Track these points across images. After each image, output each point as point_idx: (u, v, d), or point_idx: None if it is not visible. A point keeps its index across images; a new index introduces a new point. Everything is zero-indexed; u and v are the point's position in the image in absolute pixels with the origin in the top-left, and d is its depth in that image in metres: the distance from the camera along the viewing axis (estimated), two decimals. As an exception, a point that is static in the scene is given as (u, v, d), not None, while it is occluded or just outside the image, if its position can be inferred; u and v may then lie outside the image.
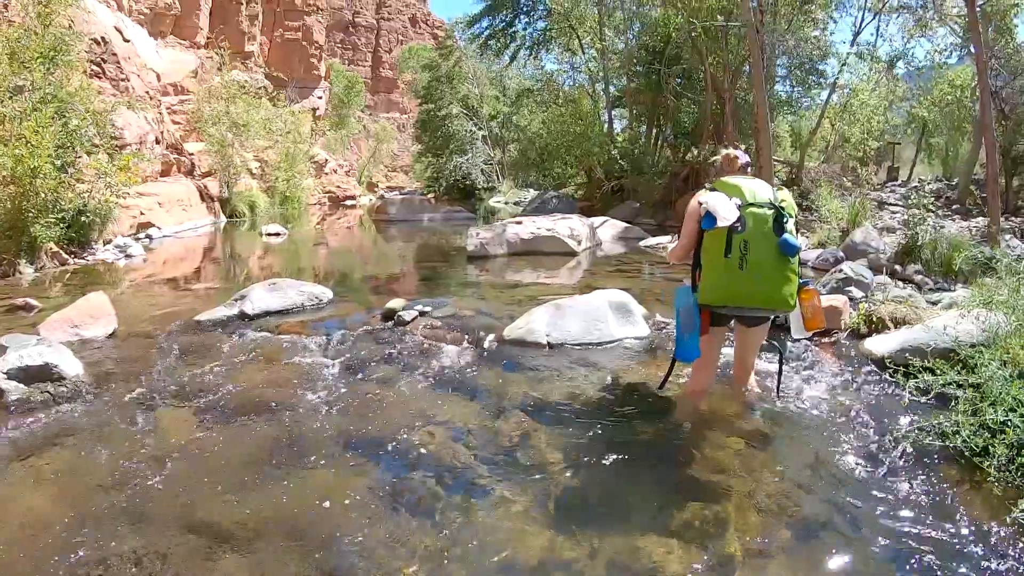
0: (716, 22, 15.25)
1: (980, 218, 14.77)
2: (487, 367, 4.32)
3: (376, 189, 46.08)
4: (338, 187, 36.55)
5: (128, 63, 17.22)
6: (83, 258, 9.83)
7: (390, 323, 5.20)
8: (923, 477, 2.88)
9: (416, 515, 2.58)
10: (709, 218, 3.06)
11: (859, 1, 17.42)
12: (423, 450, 3.11)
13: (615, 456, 3.03)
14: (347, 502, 2.65)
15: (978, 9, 11.24)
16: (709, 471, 2.97)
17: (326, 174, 36.93)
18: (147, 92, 17.80)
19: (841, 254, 8.95)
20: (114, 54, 15.98)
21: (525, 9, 23.03)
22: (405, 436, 3.24)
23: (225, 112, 20.58)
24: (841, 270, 6.97)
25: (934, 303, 6.19)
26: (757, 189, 3.17)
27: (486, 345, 4.73)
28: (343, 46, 73.88)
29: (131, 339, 5.02)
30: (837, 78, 17.90)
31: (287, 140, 24.97)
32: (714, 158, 3.59)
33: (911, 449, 3.07)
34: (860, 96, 18.90)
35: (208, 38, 29.91)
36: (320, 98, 45.17)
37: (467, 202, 24.95)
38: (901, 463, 3.00)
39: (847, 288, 6.76)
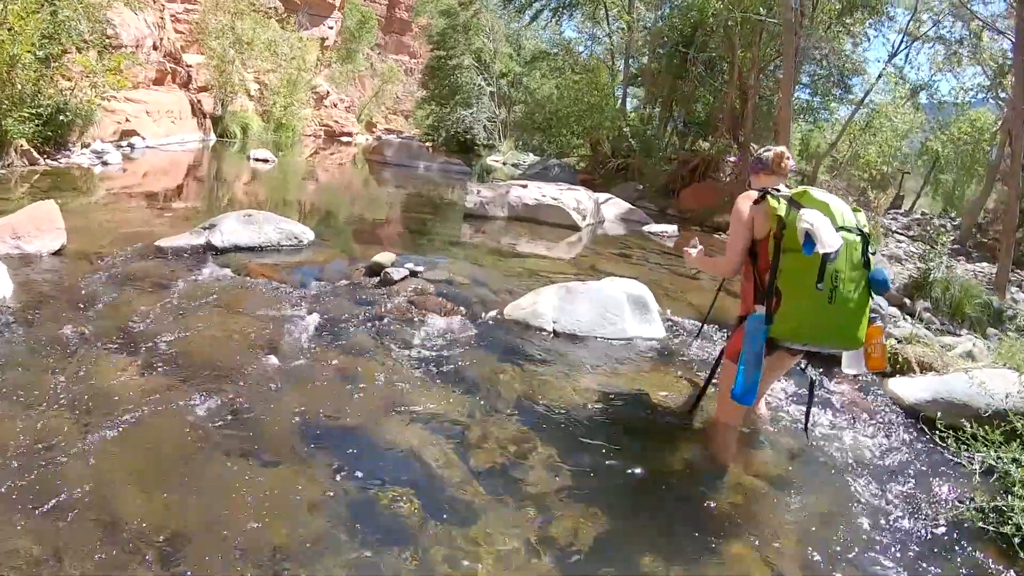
0: (757, 15, 14.67)
1: (985, 263, 14.53)
2: (482, 350, 3.74)
3: (374, 130, 45.06)
4: (336, 122, 35.62)
5: (134, -42, 16.23)
6: (56, 160, 9.23)
7: (375, 279, 4.62)
8: (966, 560, 2.48)
9: (382, 540, 2.05)
10: (810, 243, 2.53)
11: (901, 23, 16.87)
12: (398, 451, 2.58)
13: (620, 486, 2.56)
14: (296, 514, 2.13)
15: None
16: (722, 513, 2.52)
17: (326, 107, 35.92)
18: (151, -7, 16.90)
19: (850, 279, 8.54)
20: (119, -54, 14.99)
21: (555, -33, 22.19)
22: (378, 430, 2.71)
23: (230, 27, 19.66)
24: (859, 298, 6.57)
25: (945, 346, 5.84)
26: (843, 209, 2.69)
27: (483, 322, 4.18)
28: (362, -22, 71.73)
29: (78, 260, 4.45)
30: (867, 95, 17.41)
31: (291, 66, 24.10)
32: (764, 152, 3.05)
33: (946, 521, 2.67)
34: (884, 114, 18.41)
35: (221, -55, 28.53)
36: (331, 28, 43.58)
37: (464, 156, 24.28)
38: (939, 537, 2.59)
39: (863, 318, 6.36)
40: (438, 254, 6.15)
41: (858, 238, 2.65)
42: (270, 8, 24.89)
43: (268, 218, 5.47)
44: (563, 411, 3.12)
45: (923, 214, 25.58)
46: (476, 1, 29.64)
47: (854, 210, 2.76)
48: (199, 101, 18.05)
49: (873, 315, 2.78)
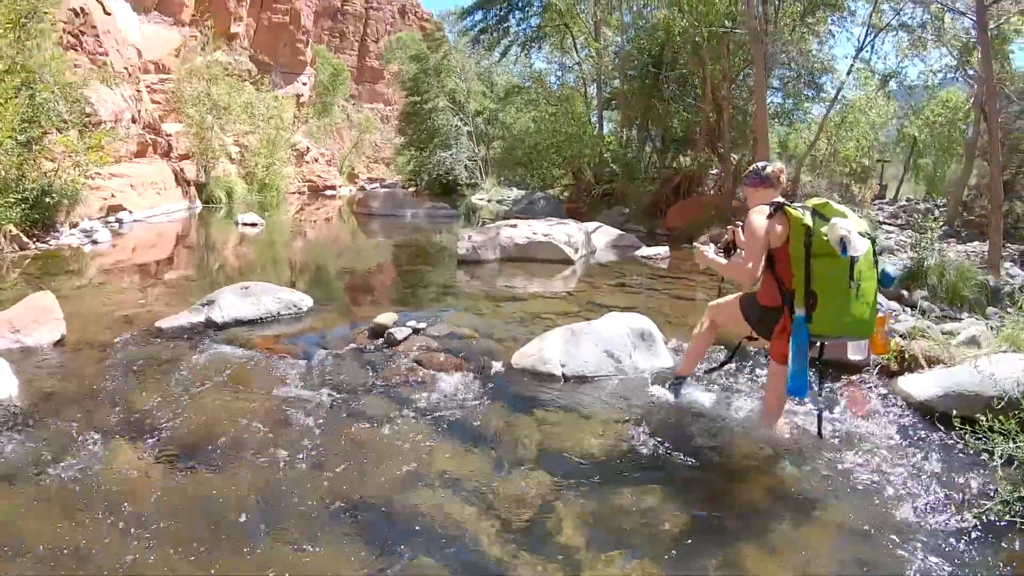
0: (723, 27, 14.90)
1: (975, 242, 14.60)
2: (494, 402, 3.74)
3: (357, 180, 45.35)
4: (319, 176, 35.87)
5: (108, 37, 16.46)
6: (46, 242, 9.23)
7: (379, 341, 4.63)
8: (999, 554, 2.49)
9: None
10: (845, 247, 2.91)
11: (863, 16, 17.12)
12: (427, 519, 2.56)
13: (651, 531, 2.53)
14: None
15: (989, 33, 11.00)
16: (756, 537, 2.51)
17: (307, 162, 36.19)
18: (126, 68, 17.08)
19: (847, 277, 8.56)
20: (93, 26, 15.24)
21: (519, 5, 22.51)
22: (404, 499, 2.70)
23: (206, 93, 19.88)
24: (858, 297, 6.58)
25: (948, 334, 5.84)
26: (855, 220, 3.07)
27: (492, 374, 4.18)
28: (330, 33, 72.54)
29: (79, 349, 4.43)
30: (839, 92, 17.60)
31: (269, 126, 24.33)
32: (764, 168, 3.39)
33: (974, 517, 2.68)
34: (857, 109, 18.60)
35: (193, 16, 28.97)
36: (304, 84, 44.16)
37: (448, 198, 24.41)
38: (969, 533, 2.59)
39: (863, 316, 6.37)
40: (438, 306, 6.17)
41: (867, 240, 3.02)
42: (243, 71, 25.20)
43: (266, 289, 5.49)
44: (582, 457, 3.13)
45: (908, 200, 25.76)
46: (445, 43, 30.03)
47: (871, 233, 3.16)
48: (182, 169, 18.16)
49: (880, 308, 3.25)
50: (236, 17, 35.26)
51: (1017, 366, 3.88)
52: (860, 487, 2.95)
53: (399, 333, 4.62)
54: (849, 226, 2.92)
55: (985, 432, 3.04)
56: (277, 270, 8.87)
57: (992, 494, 2.83)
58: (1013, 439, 2.97)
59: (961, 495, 2.89)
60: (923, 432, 3.61)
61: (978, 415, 3.14)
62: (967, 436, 3.10)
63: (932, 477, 3.06)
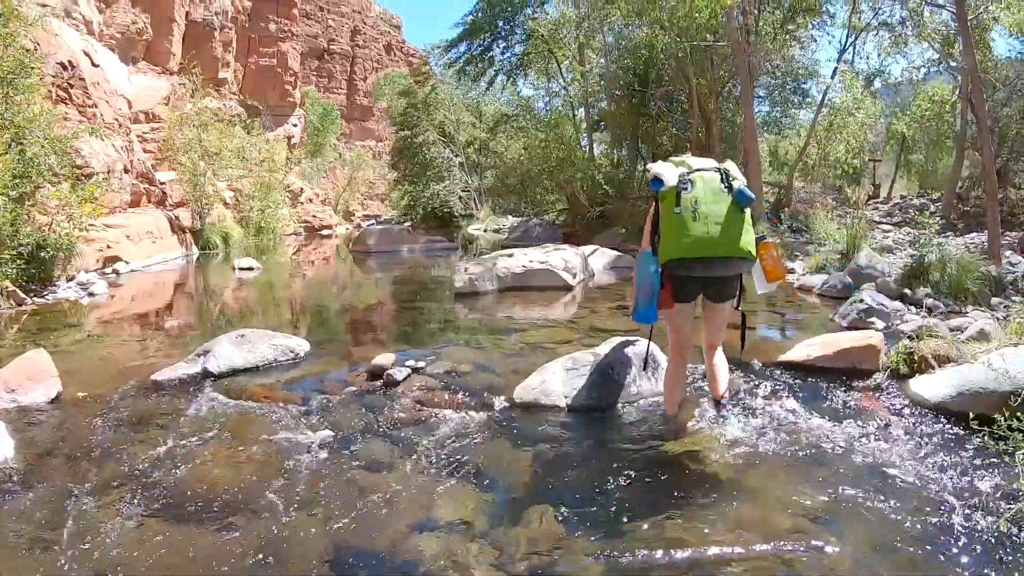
0: (705, 41, 14.99)
1: (973, 234, 14.56)
2: (500, 441, 3.64)
3: (353, 218, 45.45)
4: (314, 216, 35.89)
5: (96, 89, 16.53)
6: (43, 297, 9.18)
7: (378, 382, 4.53)
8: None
9: None
10: (656, 181, 3.34)
11: (843, 19, 17.28)
12: (428, 565, 2.46)
13: (669, 570, 2.43)
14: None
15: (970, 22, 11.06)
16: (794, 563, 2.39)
17: (302, 203, 36.24)
18: (116, 119, 17.12)
19: (848, 279, 8.49)
20: (81, 79, 15.28)
21: (503, 34, 22.71)
22: (412, 549, 2.59)
23: (197, 140, 19.97)
24: (862, 300, 6.50)
25: (955, 330, 5.76)
26: (701, 162, 3.41)
27: (494, 410, 4.08)
28: (318, 73, 73.25)
29: (75, 406, 4.35)
30: (824, 96, 17.69)
31: (262, 169, 24.38)
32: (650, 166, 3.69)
33: (1007, 521, 2.57)
34: (844, 111, 18.66)
35: (181, 64, 29.20)
36: (295, 126, 44.46)
37: (445, 230, 24.45)
38: (1004, 538, 2.51)
39: (869, 319, 6.29)
40: (437, 343, 6.07)
41: (715, 173, 3.29)
42: (234, 116, 25.34)
43: (261, 336, 5.40)
44: (593, 493, 3.02)
45: (901, 197, 25.74)
46: (432, 77, 30.30)
47: (723, 167, 3.35)
48: (177, 217, 18.16)
49: (762, 235, 3.47)
50: (223, 63, 35.53)
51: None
52: (880, 496, 2.85)
53: (398, 373, 4.53)
54: (657, 166, 3.39)
55: (1004, 432, 2.94)
56: (274, 315, 8.78)
57: (1018, 496, 2.72)
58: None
59: (984, 499, 2.80)
60: (940, 435, 3.52)
61: (996, 415, 3.05)
62: (986, 437, 3.00)
63: (953, 482, 2.97)
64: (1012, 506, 2.66)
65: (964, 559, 2.40)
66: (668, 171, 3.32)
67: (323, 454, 3.47)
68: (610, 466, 3.27)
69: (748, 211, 3.28)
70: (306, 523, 2.78)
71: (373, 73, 67.78)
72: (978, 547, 2.47)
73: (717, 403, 3.68)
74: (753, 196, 3.25)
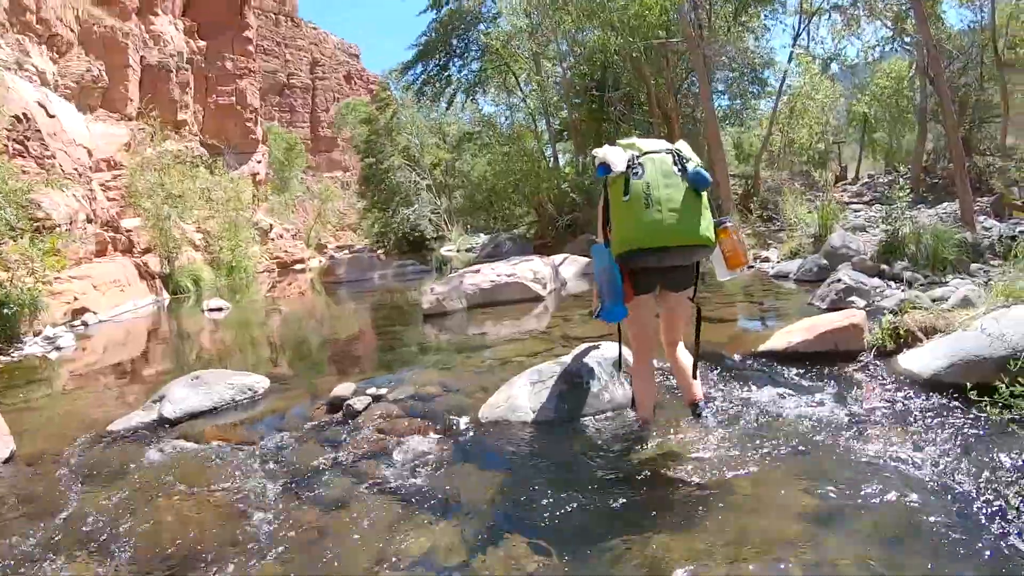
0: (658, 40, 14.93)
1: (944, 204, 14.61)
2: (464, 464, 3.36)
3: (326, 250, 45.08)
4: (286, 252, 35.51)
5: (54, 139, 16.23)
6: (9, 355, 8.79)
7: (338, 414, 4.22)
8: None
9: None
10: (603, 167, 3.14)
11: (794, 5, 17.36)
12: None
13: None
14: None
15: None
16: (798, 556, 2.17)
17: (272, 240, 35.86)
18: (76, 169, 16.77)
19: (823, 261, 8.37)
20: (38, 131, 14.98)
21: (458, 52, 22.63)
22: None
23: (159, 184, 19.63)
24: (840, 279, 6.32)
25: (938, 300, 5.62)
26: (652, 143, 3.19)
27: (459, 432, 3.79)
28: (280, 108, 73.15)
29: (29, 465, 4.05)
30: (783, 83, 17.71)
31: (228, 208, 24.06)
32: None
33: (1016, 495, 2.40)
34: (804, 95, 18.69)
35: (139, 109, 28.85)
36: (259, 162, 44.03)
37: (418, 254, 24.20)
38: (1013, 514, 2.31)
39: (849, 299, 6.11)
40: (402, 367, 5.77)
41: (667, 155, 3.08)
42: (196, 157, 25.03)
43: (218, 376, 5.10)
44: (566, 510, 2.76)
45: (869, 176, 25.96)
46: (392, 102, 30.19)
47: (675, 148, 3.16)
48: (145, 264, 17.78)
49: (722, 220, 3.20)
50: (182, 104, 35.20)
51: (1021, 319, 3.62)
52: (883, 487, 2.62)
53: (358, 403, 4.23)
54: (603, 151, 3.17)
55: (1007, 400, 2.73)
56: (239, 353, 8.43)
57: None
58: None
59: (995, 475, 2.59)
60: (936, 411, 3.32)
61: (995, 382, 2.84)
62: (987, 408, 2.79)
63: (958, 460, 2.75)
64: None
65: (984, 547, 2.18)
66: (615, 156, 3.11)
67: (279, 497, 3.18)
68: (584, 482, 3.01)
69: (705, 194, 3.07)
70: (265, 571, 2.53)
71: (335, 103, 67.66)
72: (997, 530, 2.24)
73: (694, 406, 3.37)
74: (709, 178, 3.04)
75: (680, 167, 3.03)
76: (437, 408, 4.20)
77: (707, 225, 3.02)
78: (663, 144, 3.18)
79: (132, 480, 3.59)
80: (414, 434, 3.78)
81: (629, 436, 3.49)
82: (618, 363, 3.92)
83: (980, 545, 2.20)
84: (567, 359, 4.24)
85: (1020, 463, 2.65)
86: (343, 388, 4.48)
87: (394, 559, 2.52)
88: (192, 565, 2.62)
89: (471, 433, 3.77)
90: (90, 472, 3.79)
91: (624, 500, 2.79)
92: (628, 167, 3.05)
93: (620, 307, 3.17)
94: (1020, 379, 2.73)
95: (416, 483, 3.16)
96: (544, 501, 2.85)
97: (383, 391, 4.51)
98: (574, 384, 3.93)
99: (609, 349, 4.18)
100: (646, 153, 3.08)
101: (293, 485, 3.30)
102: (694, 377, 3.42)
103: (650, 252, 3.02)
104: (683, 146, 3.19)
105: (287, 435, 4.04)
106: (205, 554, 2.69)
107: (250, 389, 5.05)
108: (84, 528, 3.03)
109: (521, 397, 3.88)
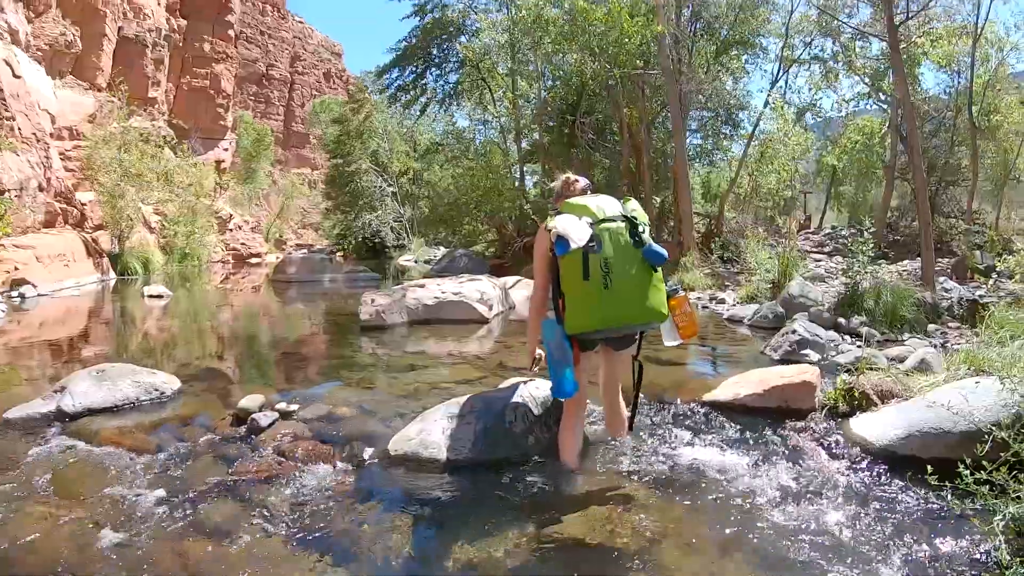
0: (636, 70, 14.85)
1: (905, 261, 14.77)
2: (365, 502, 2.99)
3: (285, 247, 44.29)
4: (243, 244, 34.83)
5: (16, 101, 15.66)
6: (-69, 315, 8.24)
7: (243, 429, 3.84)
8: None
9: None
10: (561, 243, 2.91)
11: (775, 52, 17.53)
12: None
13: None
14: None
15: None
16: None
17: (231, 230, 35.08)
18: (35, 134, 16.13)
19: (780, 309, 8.22)
20: (0, 90, 14.34)
21: (436, 61, 22.46)
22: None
23: (118, 160, 18.93)
24: (795, 330, 6.13)
25: (894, 360, 5.46)
26: (604, 205, 3.05)
27: (365, 464, 3.42)
28: (256, 99, 72.06)
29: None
30: (756, 127, 17.82)
31: (188, 193, 23.41)
32: (552, 184, 3.44)
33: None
34: (776, 140, 18.83)
35: (109, 81, 27.98)
36: (226, 150, 43.14)
37: (376, 260, 23.86)
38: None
39: (803, 351, 5.92)
40: (325, 381, 5.39)
41: (623, 224, 2.95)
42: (161, 136, 24.35)
43: (124, 371, 4.67)
44: (472, 563, 2.45)
45: (832, 228, 26.37)
46: (367, 104, 29.84)
47: (624, 200, 3.11)
48: (95, 240, 17.18)
49: (674, 287, 3.16)
50: (154, 82, 34.36)
51: (984, 390, 3.41)
52: (822, 563, 2.38)
53: (263, 419, 3.84)
54: (561, 222, 2.94)
55: (968, 487, 2.46)
56: (160, 346, 7.86)
57: (993, 551, 2.33)
58: (1017, 497, 2.40)
59: (957, 563, 2.37)
60: (888, 486, 3.07)
61: (955, 460, 2.59)
62: (948, 496, 2.54)
63: (907, 546, 2.50)
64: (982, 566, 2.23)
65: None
66: (575, 229, 2.91)
67: (157, 514, 2.82)
68: (499, 531, 2.69)
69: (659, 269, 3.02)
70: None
71: (311, 100, 66.93)
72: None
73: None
74: (665, 254, 2.98)
75: (636, 239, 2.95)
76: (347, 433, 3.82)
77: (661, 299, 3.01)
78: (616, 208, 3.06)
79: (6, 477, 3.24)
80: (317, 462, 3.40)
81: (552, 484, 3.17)
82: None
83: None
84: (493, 394, 3.89)
85: (972, 545, 2.47)
86: (251, 400, 4.10)
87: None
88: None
89: (377, 467, 3.40)
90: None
91: (538, 556, 2.51)
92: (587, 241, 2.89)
93: (573, 383, 3.01)
94: (985, 463, 2.47)
95: (307, 520, 2.80)
96: (448, 553, 2.53)
97: (294, 407, 4.12)
98: (496, 422, 3.54)
99: (542, 386, 3.83)
100: (602, 222, 2.95)
101: (173, 503, 2.94)
102: (629, 429, 3.39)
103: (607, 330, 3.01)
104: (635, 207, 3.09)
105: (184, 445, 3.66)
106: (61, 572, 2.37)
107: (157, 389, 4.63)
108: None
109: (435, 432, 3.49)
